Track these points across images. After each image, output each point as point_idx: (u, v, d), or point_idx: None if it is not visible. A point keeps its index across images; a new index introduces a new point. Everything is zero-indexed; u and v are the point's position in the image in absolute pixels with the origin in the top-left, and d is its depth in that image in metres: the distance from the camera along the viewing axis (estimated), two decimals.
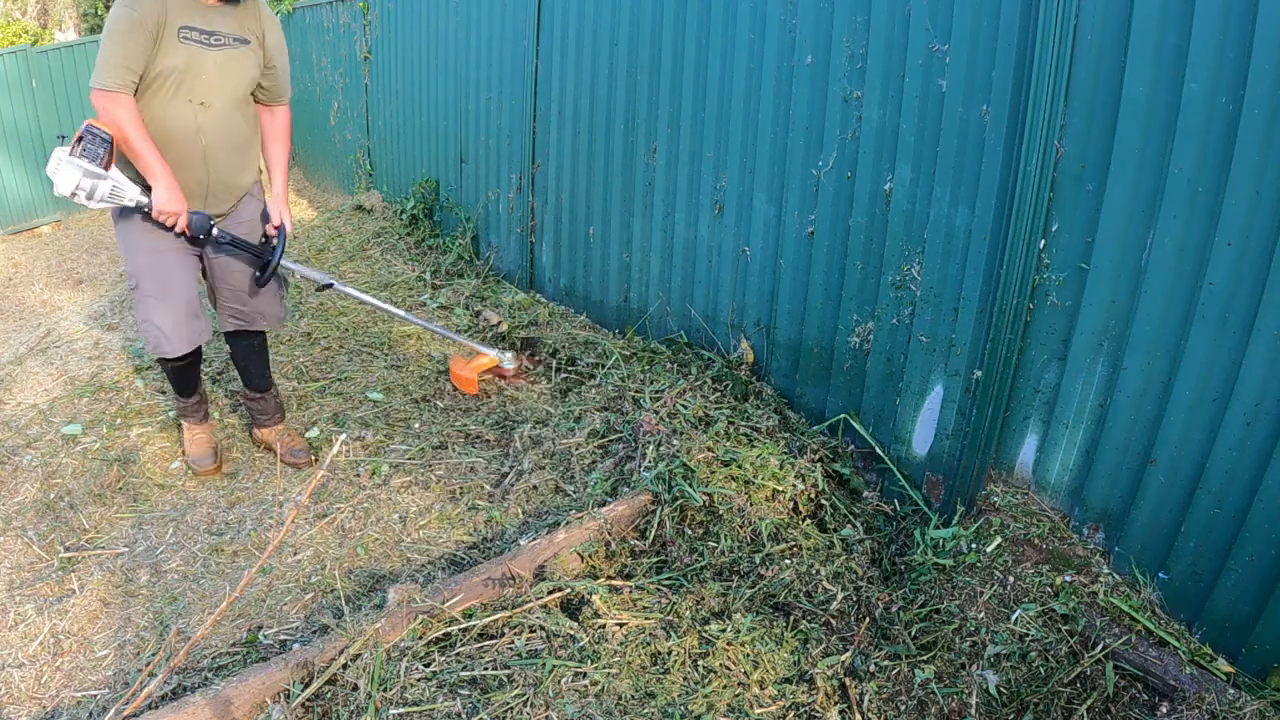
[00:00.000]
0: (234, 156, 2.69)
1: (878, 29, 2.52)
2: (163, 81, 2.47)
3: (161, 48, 2.43)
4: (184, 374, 2.93)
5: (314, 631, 2.25)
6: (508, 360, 3.70)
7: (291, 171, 9.86)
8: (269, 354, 3.15)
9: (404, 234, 5.92)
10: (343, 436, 2.42)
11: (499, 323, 4.26)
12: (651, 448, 2.74)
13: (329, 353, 4.11)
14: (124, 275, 2.89)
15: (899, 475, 2.65)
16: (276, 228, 2.84)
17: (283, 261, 2.86)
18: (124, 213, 2.61)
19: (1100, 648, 1.98)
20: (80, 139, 2.43)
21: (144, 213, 2.57)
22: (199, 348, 2.83)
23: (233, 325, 2.94)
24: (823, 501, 2.61)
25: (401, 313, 3.48)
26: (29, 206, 9.21)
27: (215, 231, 2.65)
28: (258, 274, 2.82)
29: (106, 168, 2.45)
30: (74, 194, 2.44)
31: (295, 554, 2.63)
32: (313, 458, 3.14)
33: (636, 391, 3.28)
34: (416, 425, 3.40)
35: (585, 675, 1.96)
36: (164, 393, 3.65)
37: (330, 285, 3.08)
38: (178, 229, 2.58)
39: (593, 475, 2.87)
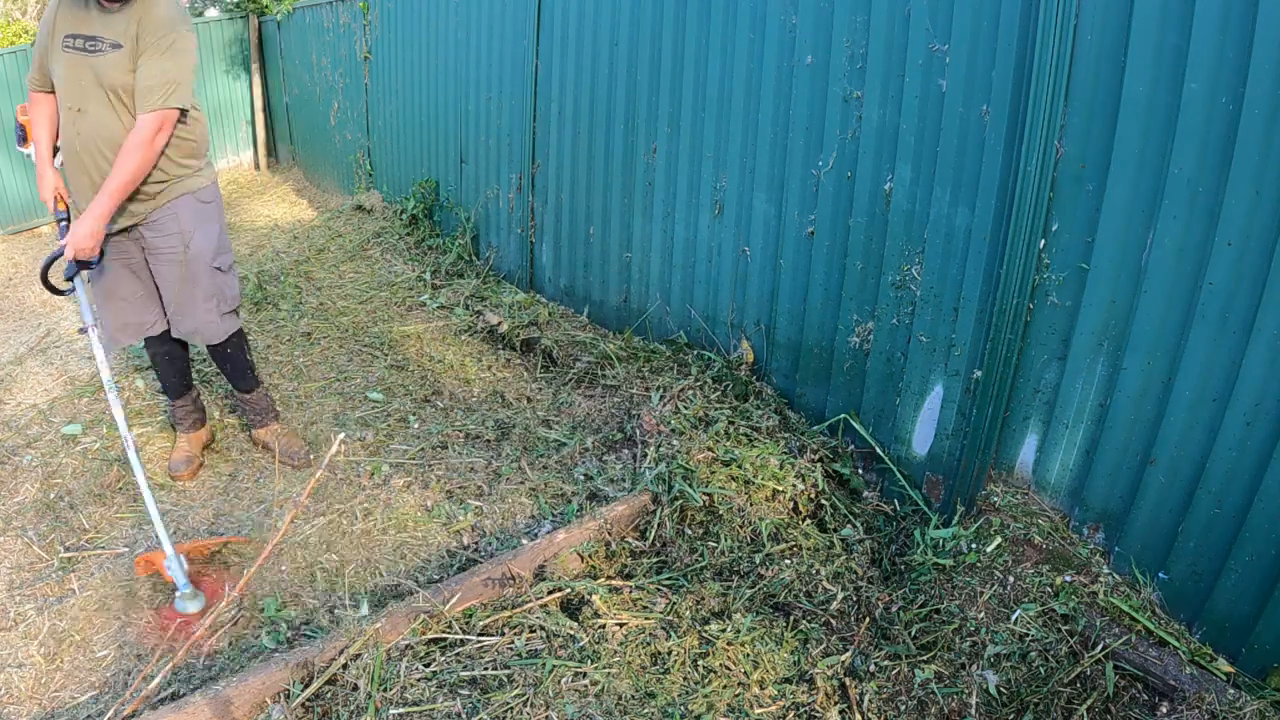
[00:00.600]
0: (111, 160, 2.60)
1: (878, 29, 2.52)
2: (55, 88, 2.63)
3: (50, 56, 2.58)
4: (164, 368, 3.02)
5: (314, 631, 2.25)
6: (184, 598, 2.38)
7: (291, 171, 9.86)
8: (244, 356, 3.05)
9: (404, 234, 5.92)
10: (341, 436, 2.42)
11: (499, 323, 4.26)
12: (651, 448, 2.74)
13: (329, 353, 4.11)
14: None
15: (899, 475, 2.65)
16: (61, 242, 2.57)
17: (75, 287, 2.58)
18: None
19: (1100, 648, 1.98)
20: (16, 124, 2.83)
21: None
22: (176, 345, 2.97)
23: (174, 333, 2.89)
24: (823, 501, 2.61)
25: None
26: (29, 206, 9.21)
27: (60, 225, 2.68)
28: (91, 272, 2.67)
29: (24, 145, 2.84)
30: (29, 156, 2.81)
31: (293, 553, 2.63)
32: (310, 458, 3.14)
33: (637, 392, 3.28)
34: (416, 425, 3.40)
35: (585, 675, 1.96)
36: (164, 393, 3.65)
37: (84, 330, 2.64)
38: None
39: (592, 475, 2.87)
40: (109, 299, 2.80)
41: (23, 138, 2.84)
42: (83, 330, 2.67)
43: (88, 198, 2.63)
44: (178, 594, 2.39)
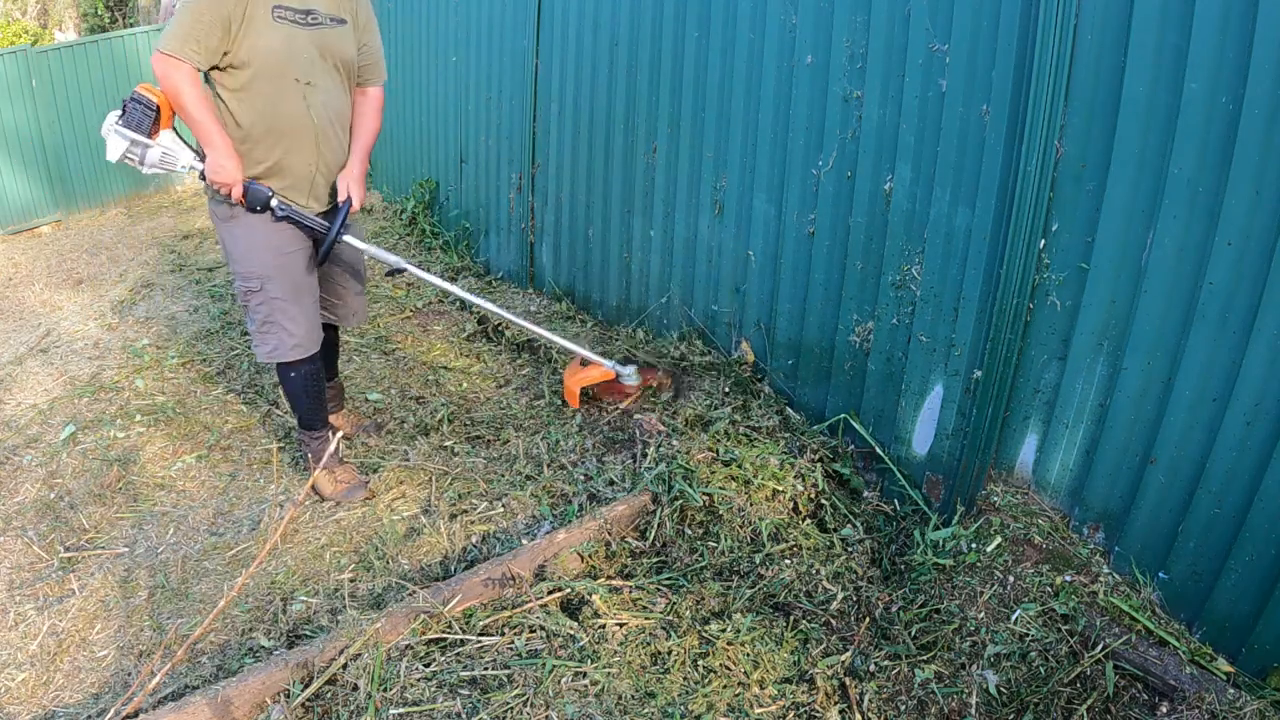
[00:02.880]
0: (343, 136, 2.66)
1: (878, 29, 2.52)
2: (264, 61, 2.39)
3: (253, 27, 2.35)
4: (315, 383, 2.75)
5: (314, 631, 2.25)
6: (628, 375, 3.20)
7: None
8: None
9: (404, 234, 5.92)
10: (339, 434, 2.42)
11: (499, 323, 4.27)
12: (651, 448, 2.74)
13: None
14: (235, 276, 2.65)
15: (899, 475, 2.65)
16: (341, 201, 2.65)
17: (351, 240, 2.69)
18: (235, 212, 2.53)
19: (1100, 648, 1.98)
20: (125, 108, 2.43)
21: (272, 212, 2.51)
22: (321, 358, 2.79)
23: (322, 319, 2.80)
24: (823, 501, 2.61)
25: (492, 307, 3.23)
26: (29, 207, 9.21)
27: (274, 203, 2.50)
28: (322, 248, 2.65)
29: (152, 135, 2.44)
30: (123, 160, 2.45)
31: (293, 553, 2.63)
32: (379, 425, 3.28)
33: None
34: (415, 425, 3.40)
35: (585, 675, 1.96)
36: (164, 393, 3.64)
37: (402, 270, 2.84)
38: (234, 198, 2.47)
39: (592, 475, 2.87)
40: (300, 298, 2.62)
41: (152, 125, 2.43)
42: (399, 271, 2.81)
43: (313, 175, 2.59)
44: (626, 374, 3.21)
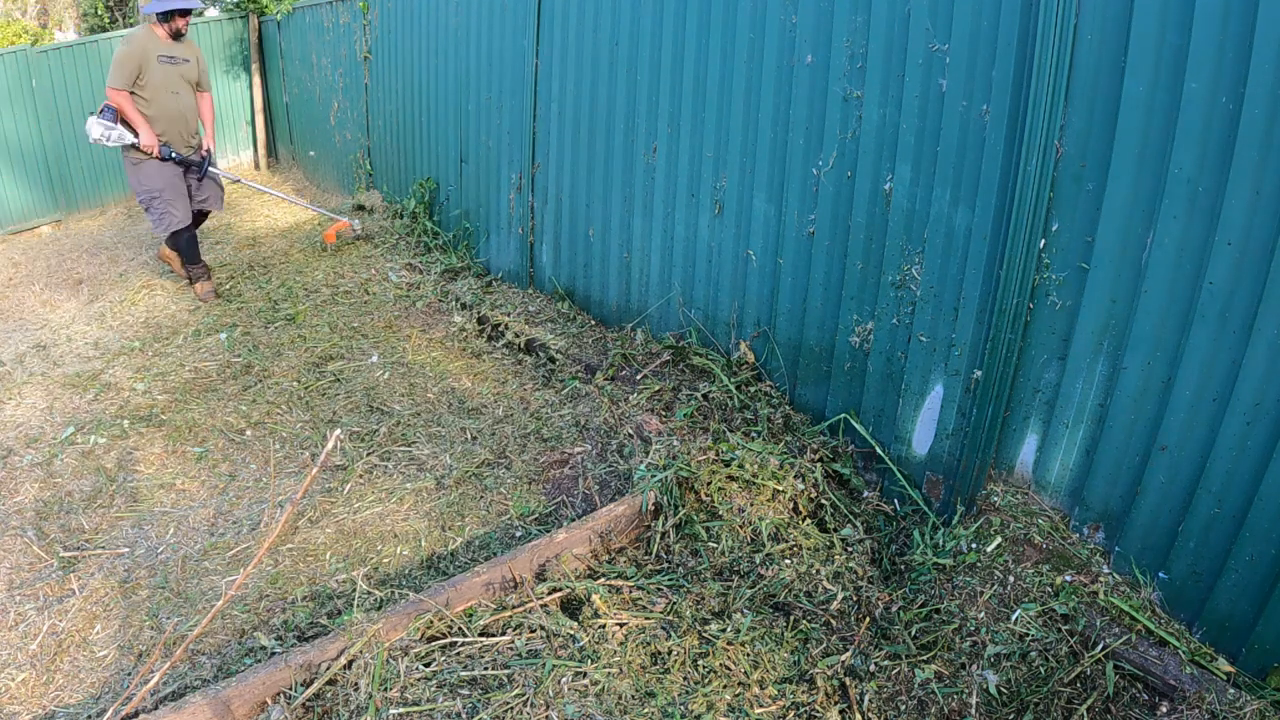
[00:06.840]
0: (193, 119, 5.09)
1: (878, 29, 2.52)
2: (158, 82, 4.77)
3: (150, 67, 4.74)
4: (193, 243, 5.07)
5: (314, 632, 2.25)
6: (357, 226, 5.92)
7: (291, 171, 9.88)
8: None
9: (404, 234, 5.92)
10: (338, 433, 2.42)
11: (500, 323, 4.26)
12: (652, 448, 2.74)
13: (330, 353, 4.11)
14: (137, 198, 4.93)
15: (899, 475, 2.65)
16: (206, 151, 5.14)
17: (212, 170, 5.19)
18: (141, 158, 4.78)
19: (1100, 647, 1.98)
20: (103, 109, 4.67)
21: (136, 148, 4.79)
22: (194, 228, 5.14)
23: (196, 207, 5.16)
24: (823, 501, 2.61)
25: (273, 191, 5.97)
26: (29, 207, 9.20)
27: (174, 155, 4.87)
28: (199, 174, 5.09)
29: (115, 123, 4.69)
30: (101, 138, 4.64)
31: (293, 554, 2.63)
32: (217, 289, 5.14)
33: (637, 392, 3.28)
34: (416, 426, 3.40)
35: (585, 675, 1.97)
36: (165, 393, 3.65)
37: (238, 180, 5.85)
38: (154, 155, 4.77)
39: (593, 475, 2.87)
40: (180, 197, 4.95)
41: (114, 119, 4.68)
42: (236, 181, 5.86)
43: (181, 136, 4.97)
44: (356, 225, 5.97)
